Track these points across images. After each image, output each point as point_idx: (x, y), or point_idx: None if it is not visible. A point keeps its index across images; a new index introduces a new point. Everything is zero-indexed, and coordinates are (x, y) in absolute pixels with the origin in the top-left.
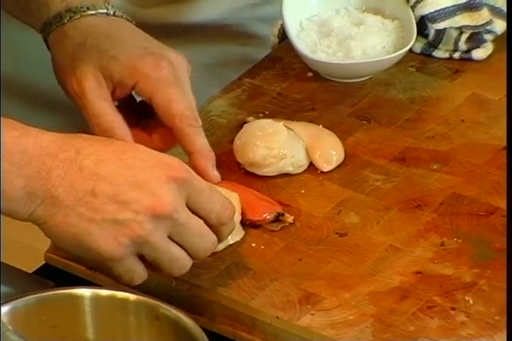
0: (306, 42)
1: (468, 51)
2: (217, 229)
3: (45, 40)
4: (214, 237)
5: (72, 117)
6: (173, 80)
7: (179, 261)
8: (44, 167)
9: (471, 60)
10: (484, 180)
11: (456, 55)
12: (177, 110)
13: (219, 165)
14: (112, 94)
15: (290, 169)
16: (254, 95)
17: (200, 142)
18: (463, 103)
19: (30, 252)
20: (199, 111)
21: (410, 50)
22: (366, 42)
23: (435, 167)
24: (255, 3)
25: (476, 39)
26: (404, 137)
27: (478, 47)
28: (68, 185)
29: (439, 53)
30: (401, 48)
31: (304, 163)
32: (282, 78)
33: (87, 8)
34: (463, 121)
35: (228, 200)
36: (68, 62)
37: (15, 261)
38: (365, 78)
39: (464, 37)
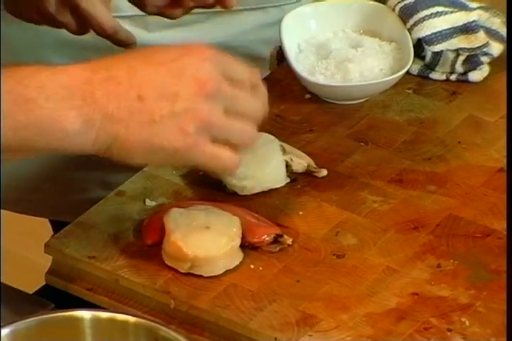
0: (304, 65)
1: (465, 73)
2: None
3: None
4: (259, 101)
5: None
6: None
7: (246, 132)
8: (86, 93)
9: (467, 81)
10: (480, 201)
11: (453, 77)
12: None
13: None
14: None
15: (268, 185)
16: None
17: None
18: (459, 125)
19: (31, 266)
20: None
21: (407, 72)
22: (364, 65)
23: (432, 189)
24: (261, 26)
25: (472, 61)
26: (401, 159)
27: (475, 69)
28: (115, 99)
29: (436, 75)
30: (398, 70)
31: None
32: (281, 100)
33: None
34: (459, 142)
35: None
36: None
37: (16, 275)
38: (363, 100)
39: (461, 59)
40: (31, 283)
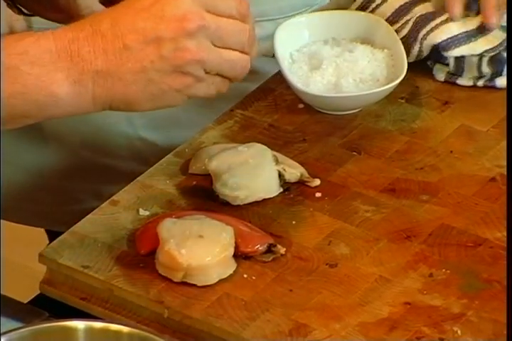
0: (299, 76)
1: (492, 79)
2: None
3: None
4: (246, 26)
5: None
6: None
7: (238, 62)
8: (73, 53)
9: (494, 87)
10: (472, 211)
11: (480, 83)
12: None
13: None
14: None
15: (261, 195)
16: (246, 126)
17: None
18: (451, 134)
19: (29, 274)
20: (190, 143)
21: (404, 81)
22: (357, 74)
23: (424, 198)
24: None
25: (496, 60)
26: (394, 168)
27: (502, 72)
28: (102, 53)
29: (464, 81)
30: (392, 78)
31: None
32: (274, 109)
33: None
34: (451, 152)
35: None
36: None
37: (13, 283)
38: (357, 110)
39: (485, 60)
40: (28, 291)
